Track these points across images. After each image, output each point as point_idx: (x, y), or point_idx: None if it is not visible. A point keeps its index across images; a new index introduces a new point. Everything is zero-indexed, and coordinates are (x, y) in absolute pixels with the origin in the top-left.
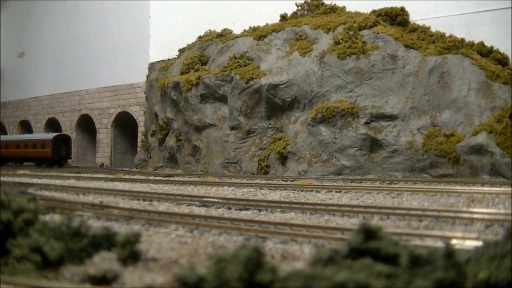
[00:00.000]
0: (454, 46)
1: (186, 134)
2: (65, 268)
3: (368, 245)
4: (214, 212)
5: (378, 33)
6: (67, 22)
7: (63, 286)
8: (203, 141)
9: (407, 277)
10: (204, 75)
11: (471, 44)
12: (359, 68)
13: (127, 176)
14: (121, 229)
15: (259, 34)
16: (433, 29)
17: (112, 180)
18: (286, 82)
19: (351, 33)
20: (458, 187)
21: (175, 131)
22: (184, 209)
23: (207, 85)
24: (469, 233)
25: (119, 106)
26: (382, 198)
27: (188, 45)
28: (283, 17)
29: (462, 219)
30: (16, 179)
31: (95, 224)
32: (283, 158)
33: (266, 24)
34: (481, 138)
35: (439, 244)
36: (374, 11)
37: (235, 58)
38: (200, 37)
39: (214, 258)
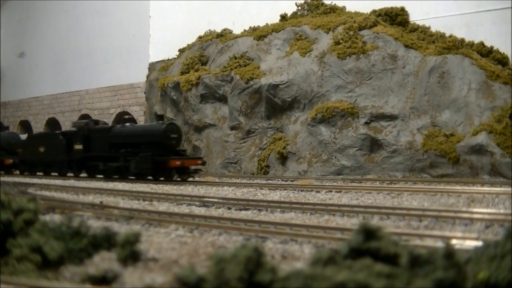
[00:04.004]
0: (454, 46)
1: (186, 134)
2: (65, 268)
3: (368, 245)
4: (214, 212)
5: (378, 33)
6: (67, 22)
7: (63, 286)
8: (203, 141)
9: (407, 277)
10: (204, 75)
11: (471, 44)
12: (359, 68)
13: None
14: (121, 229)
15: (259, 34)
16: (433, 29)
17: (112, 180)
18: (286, 82)
19: (351, 33)
20: (458, 187)
21: None
22: (184, 209)
23: (207, 85)
24: (469, 233)
25: (119, 106)
26: (382, 198)
27: (188, 45)
28: (283, 17)
29: (462, 219)
30: (16, 179)
31: (95, 224)
32: (283, 158)
33: (266, 24)
34: (481, 138)
35: (439, 244)
36: (374, 11)
37: (235, 58)
38: (200, 37)
39: (214, 258)
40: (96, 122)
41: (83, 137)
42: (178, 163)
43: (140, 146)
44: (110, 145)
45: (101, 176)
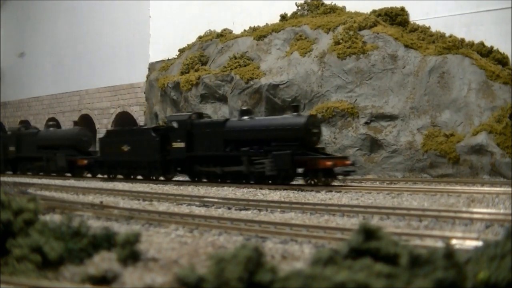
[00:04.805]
0: (454, 46)
1: None
2: (65, 268)
3: (368, 245)
4: (214, 212)
5: (378, 33)
6: (67, 22)
7: (63, 286)
8: None
9: (407, 277)
10: (204, 75)
11: (471, 44)
12: (359, 68)
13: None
14: (121, 229)
15: (259, 34)
16: (433, 29)
17: (112, 180)
18: (286, 82)
19: (351, 33)
20: (458, 187)
21: None
22: (184, 209)
23: (207, 85)
24: (469, 233)
25: (119, 106)
26: (382, 198)
27: (188, 45)
28: (283, 17)
29: (462, 219)
30: (16, 179)
31: (95, 224)
32: None
33: (266, 24)
34: (481, 138)
35: (439, 244)
36: (374, 11)
37: (235, 58)
38: (200, 37)
39: (214, 258)
40: (200, 114)
41: (186, 133)
42: (329, 163)
43: (268, 144)
44: (225, 142)
45: (206, 180)
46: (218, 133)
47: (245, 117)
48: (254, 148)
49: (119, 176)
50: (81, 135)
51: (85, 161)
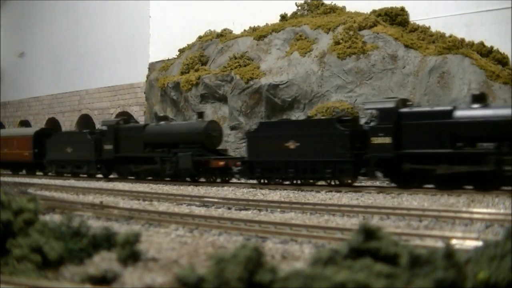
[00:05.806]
0: (454, 46)
1: None
2: (65, 268)
3: (368, 245)
4: (214, 212)
5: (378, 33)
6: (67, 22)
7: (63, 286)
8: None
9: (407, 277)
10: (204, 75)
11: (471, 44)
12: (359, 68)
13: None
14: (121, 229)
15: (259, 34)
16: (433, 29)
17: (112, 180)
18: (286, 82)
19: (351, 33)
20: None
21: None
22: (184, 209)
23: (207, 85)
24: (469, 233)
25: (119, 106)
26: (382, 198)
27: (188, 45)
28: (283, 17)
29: (462, 219)
30: (16, 179)
31: (95, 224)
32: None
33: (266, 24)
34: None
35: (439, 244)
36: (374, 11)
37: (235, 58)
38: (200, 37)
39: (214, 258)
40: (404, 101)
41: (393, 126)
42: None
43: None
44: (453, 137)
45: (418, 185)
46: (442, 125)
47: (476, 105)
48: (505, 145)
49: (277, 183)
50: (210, 129)
51: (222, 163)
